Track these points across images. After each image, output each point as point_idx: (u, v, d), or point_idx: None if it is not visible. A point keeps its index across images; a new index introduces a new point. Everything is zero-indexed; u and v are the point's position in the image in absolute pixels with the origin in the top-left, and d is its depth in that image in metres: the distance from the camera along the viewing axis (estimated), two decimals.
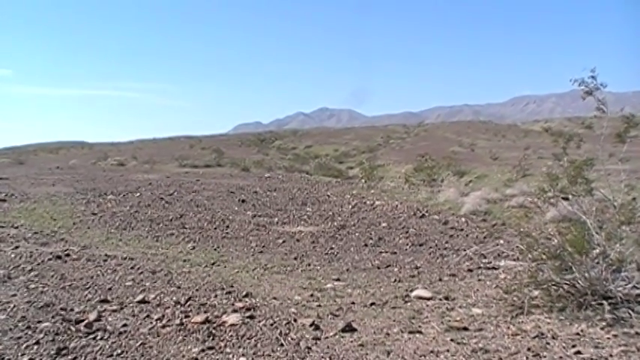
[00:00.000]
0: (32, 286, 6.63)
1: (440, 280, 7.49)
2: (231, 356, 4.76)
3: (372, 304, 6.35)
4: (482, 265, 8.17)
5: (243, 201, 14.70)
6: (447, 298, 6.50)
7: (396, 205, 14.20)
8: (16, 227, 10.33)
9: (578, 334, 5.00)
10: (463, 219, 12.28)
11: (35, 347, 4.78)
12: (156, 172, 21.85)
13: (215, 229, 11.10)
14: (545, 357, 4.54)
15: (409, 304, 6.37)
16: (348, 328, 5.44)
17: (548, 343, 4.82)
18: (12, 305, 5.84)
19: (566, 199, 6.86)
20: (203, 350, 4.86)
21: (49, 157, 32.08)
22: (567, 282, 5.73)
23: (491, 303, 6.20)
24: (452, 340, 5.07)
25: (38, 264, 7.69)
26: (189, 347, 4.93)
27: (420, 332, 5.35)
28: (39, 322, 5.38)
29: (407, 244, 9.88)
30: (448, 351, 4.80)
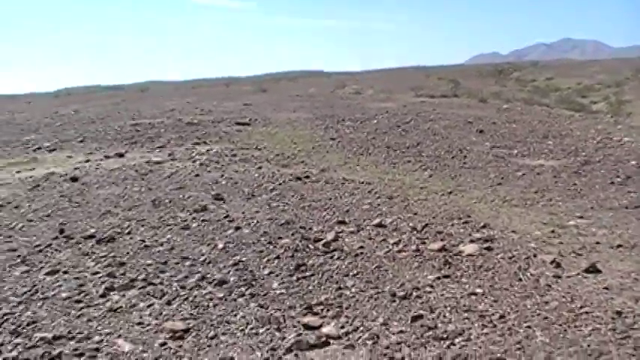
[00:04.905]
0: (274, 204, 6.89)
1: None
2: (467, 286, 4.56)
3: (619, 245, 5.72)
4: None
5: (480, 131, 14.17)
6: None
7: None
8: (259, 149, 10.83)
9: None
10: None
11: (276, 261, 4.94)
12: (392, 101, 21.80)
13: (452, 158, 10.79)
14: None
15: None
16: (592, 269, 4.97)
17: None
18: (255, 221, 6.10)
19: None
20: (439, 278, 4.72)
21: (289, 85, 33.42)
22: None
23: None
24: None
25: (279, 184, 7.97)
26: (424, 274, 4.81)
27: None
28: (279, 238, 5.56)
29: None
30: None
